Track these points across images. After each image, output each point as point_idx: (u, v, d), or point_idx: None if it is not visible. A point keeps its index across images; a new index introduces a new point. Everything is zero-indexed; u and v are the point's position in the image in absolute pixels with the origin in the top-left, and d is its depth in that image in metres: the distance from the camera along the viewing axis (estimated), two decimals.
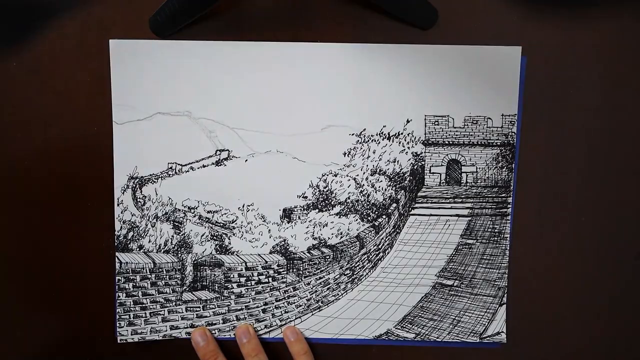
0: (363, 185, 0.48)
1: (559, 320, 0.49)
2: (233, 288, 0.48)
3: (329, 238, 0.48)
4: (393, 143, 0.48)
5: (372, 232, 0.49)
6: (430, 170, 0.48)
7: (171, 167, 0.48)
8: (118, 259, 0.48)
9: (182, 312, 0.48)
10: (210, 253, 0.48)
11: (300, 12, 0.46)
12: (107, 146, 0.47)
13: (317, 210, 0.48)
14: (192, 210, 0.48)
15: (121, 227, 0.48)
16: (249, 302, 0.48)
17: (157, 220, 0.48)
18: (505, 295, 0.48)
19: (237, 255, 0.48)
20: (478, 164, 0.48)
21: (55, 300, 0.48)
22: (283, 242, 0.48)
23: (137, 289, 0.48)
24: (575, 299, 0.49)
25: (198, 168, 0.48)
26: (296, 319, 0.49)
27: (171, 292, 0.48)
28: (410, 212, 0.49)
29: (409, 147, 0.48)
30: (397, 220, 0.49)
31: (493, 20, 0.46)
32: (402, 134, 0.48)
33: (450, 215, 0.48)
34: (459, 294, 0.49)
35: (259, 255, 0.48)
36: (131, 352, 0.49)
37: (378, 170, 0.48)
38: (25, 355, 0.49)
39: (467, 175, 0.48)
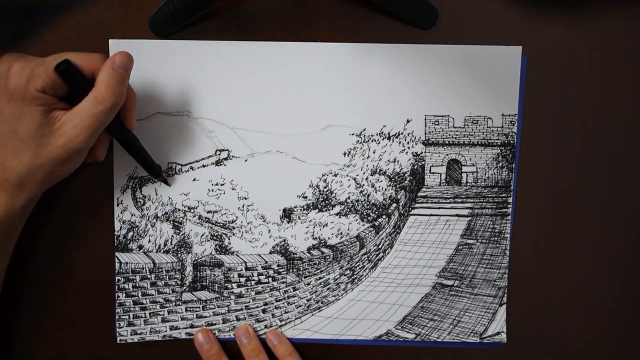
0: (363, 185, 0.48)
1: (559, 320, 0.49)
2: (233, 288, 0.48)
3: (329, 238, 0.48)
4: (393, 143, 0.48)
5: (372, 232, 0.48)
6: (430, 170, 0.48)
7: (171, 167, 0.47)
8: (118, 259, 0.48)
9: (182, 313, 0.48)
10: (210, 253, 0.48)
11: (300, 12, 0.46)
12: None
13: (317, 210, 0.48)
14: (192, 210, 0.48)
15: (121, 227, 0.48)
16: (249, 302, 0.48)
17: (156, 220, 0.48)
18: (506, 295, 0.48)
19: (237, 256, 0.48)
20: (478, 164, 0.48)
21: (55, 300, 0.48)
22: (283, 242, 0.48)
23: (137, 289, 0.48)
24: (575, 299, 0.49)
25: (198, 168, 0.48)
26: (296, 319, 0.49)
27: (171, 292, 0.48)
28: (411, 212, 0.49)
29: (409, 147, 0.48)
30: (397, 220, 0.49)
31: (493, 20, 0.46)
32: (402, 134, 0.48)
33: (451, 215, 0.48)
34: (459, 294, 0.49)
35: (258, 255, 0.48)
36: (131, 352, 0.49)
37: (378, 170, 0.48)
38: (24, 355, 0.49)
39: (467, 175, 0.48)
